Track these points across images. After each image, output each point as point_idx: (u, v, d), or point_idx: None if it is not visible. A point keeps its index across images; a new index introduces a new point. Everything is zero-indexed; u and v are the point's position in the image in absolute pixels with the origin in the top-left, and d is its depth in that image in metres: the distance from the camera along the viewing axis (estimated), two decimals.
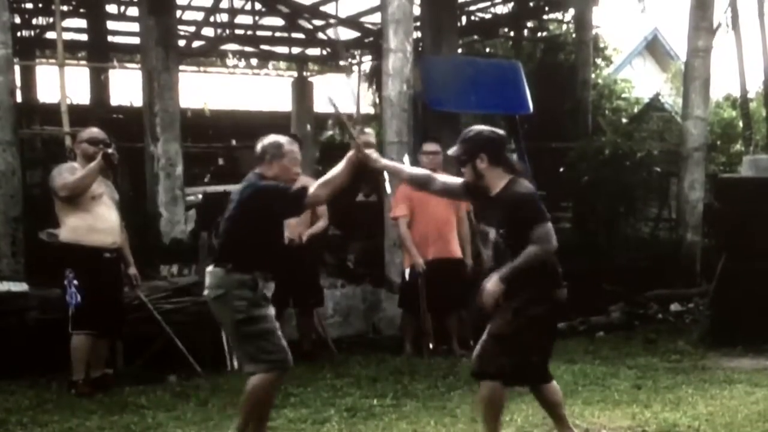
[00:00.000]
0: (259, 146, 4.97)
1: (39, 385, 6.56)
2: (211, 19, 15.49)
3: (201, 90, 16.29)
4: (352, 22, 15.29)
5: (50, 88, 12.13)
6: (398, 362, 7.43)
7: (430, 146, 8.04)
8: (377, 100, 15.47)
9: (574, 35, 14.51)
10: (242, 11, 15.61)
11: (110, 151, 6.45)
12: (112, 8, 14.60)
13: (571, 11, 14.60)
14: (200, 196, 11.03)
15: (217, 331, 7.06)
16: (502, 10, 15.25)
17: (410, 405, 6.10)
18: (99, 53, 14.78)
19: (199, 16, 15.48)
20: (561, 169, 11.65)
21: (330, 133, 18.02)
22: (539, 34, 16.21)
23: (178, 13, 12.95)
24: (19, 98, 10.26)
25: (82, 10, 14.63)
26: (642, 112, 14.70)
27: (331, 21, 15.13)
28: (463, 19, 14.37)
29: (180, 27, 13.60)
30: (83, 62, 16.60)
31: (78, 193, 6.36)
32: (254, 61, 20.30)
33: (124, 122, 13.27)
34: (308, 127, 15.78)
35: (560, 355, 6.80)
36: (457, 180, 4.93)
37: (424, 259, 7.73)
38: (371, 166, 4.87)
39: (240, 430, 4.82)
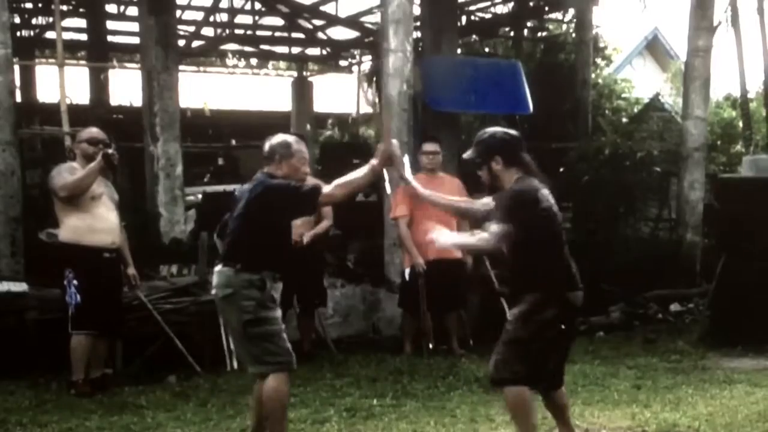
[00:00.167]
0: (267, 146, 4.93)
1: (38, 385, 6.55)
2: (211, 18, 15.49)
3: (201, 90, 16.29)
4: (351, 21, 15.29)
5: (50, 88, 12.10)
6: (398, 362, 7.42)
7: (429, 146, 8.03)
8: (377, 100, 15.47)
9: (574, 35, 14.47)
10: (242, 11, 15.60)
11: (110, 151, 6.44)
12: (111, 8, 14.57)
13: (571, 11, 14.57)
14: (200, 196, 11.04)
15: (216, 331, 7.07)
16: (502, 9, 15.22)
17: (410, 405, 6.09)
18: (99, 53, 14.75)
19: (199, 15, 15.47)
20: (561, 169, 11.62)
21: (329, 133, 18.02)
22: (539, 34, 16.16)
23: (178, 12, 12.92)
24: (18, 98, 10.23)
25: (81, 10, 14.60)
26: (642, 112, 14.64)
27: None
28: (463, 19, 14.33)
29: (180, 27, 13.58)
30: (83, 62, 16.56)
31: (78, 194, 6.35)
32: (254, 61, 20.33)
33: (123, 122, 13.27)
34: (308, 126, 15.81)
35: None
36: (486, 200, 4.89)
37: (424, 259, 7.71)
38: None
39: None
